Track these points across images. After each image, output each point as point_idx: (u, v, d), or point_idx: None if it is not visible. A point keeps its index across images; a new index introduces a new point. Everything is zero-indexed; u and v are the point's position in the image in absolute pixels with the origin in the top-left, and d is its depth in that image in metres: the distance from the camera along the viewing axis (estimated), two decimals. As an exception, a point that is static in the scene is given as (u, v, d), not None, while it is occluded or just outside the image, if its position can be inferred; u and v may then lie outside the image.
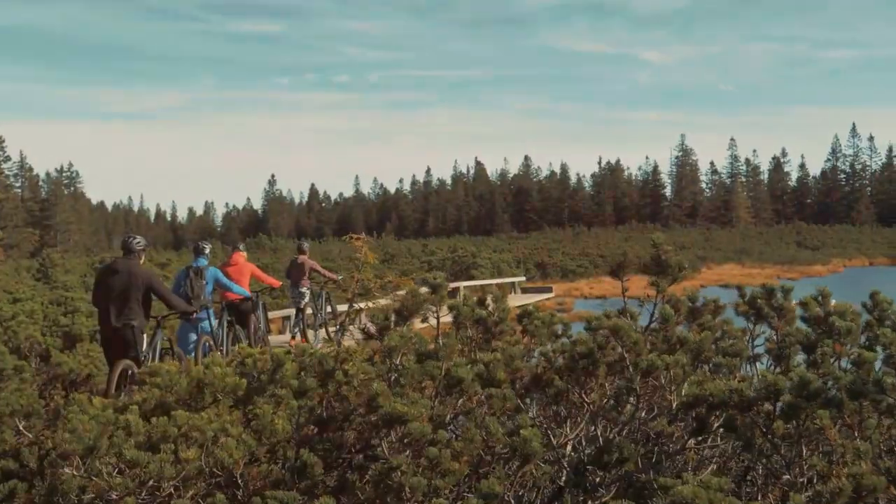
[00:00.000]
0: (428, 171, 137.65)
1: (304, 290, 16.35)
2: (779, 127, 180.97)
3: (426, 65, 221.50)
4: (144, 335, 8.95)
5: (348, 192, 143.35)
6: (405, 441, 5.18)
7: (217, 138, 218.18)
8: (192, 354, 10.54)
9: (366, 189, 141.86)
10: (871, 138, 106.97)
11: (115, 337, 8.71)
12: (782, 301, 7.28)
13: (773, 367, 6.69)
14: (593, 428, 5.67)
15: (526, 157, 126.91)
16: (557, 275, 38.89)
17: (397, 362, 5.68)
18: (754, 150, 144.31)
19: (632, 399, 5.58)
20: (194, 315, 10.18)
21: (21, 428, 7.29)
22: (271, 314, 21.60)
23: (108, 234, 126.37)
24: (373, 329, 6.24)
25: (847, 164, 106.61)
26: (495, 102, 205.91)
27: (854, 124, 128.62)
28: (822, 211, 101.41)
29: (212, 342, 11.35)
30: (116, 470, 5.26)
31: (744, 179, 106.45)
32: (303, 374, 6.52)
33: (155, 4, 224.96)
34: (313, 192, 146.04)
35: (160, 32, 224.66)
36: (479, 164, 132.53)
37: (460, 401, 5.75)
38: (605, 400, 5.69)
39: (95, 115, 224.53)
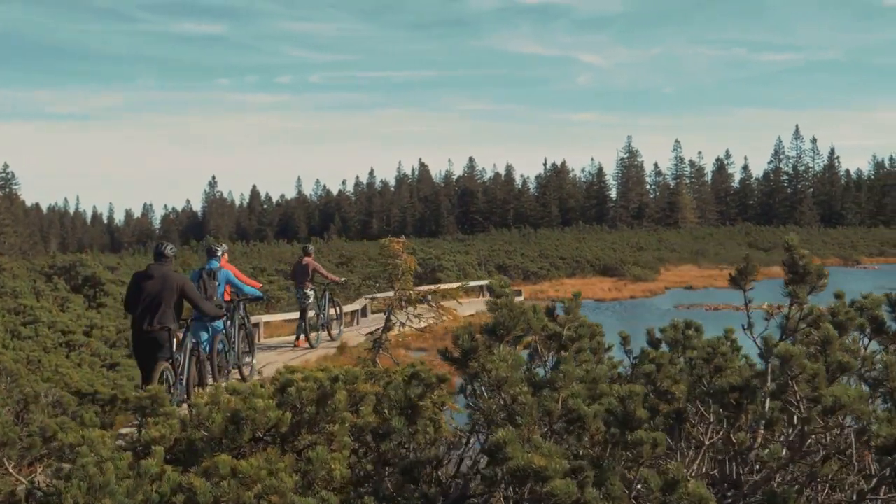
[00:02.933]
0: (371, 172, 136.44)
1: (308, 291, 16.76)
2: (720, 129, 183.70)
3: (370, 66, 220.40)
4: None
5: (290, 194, 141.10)
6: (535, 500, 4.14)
7: (156, 139, 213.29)
8: (207, 352, 11.01)
9: (308, 190, 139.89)
10: (813, 140, 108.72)
11: (151, 340, 8.99)
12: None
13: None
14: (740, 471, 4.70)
15: (471, 159, 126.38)
16: (519, 277, 38.06)
17: (506, 396, 4.61)
18: (699, 152, 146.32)
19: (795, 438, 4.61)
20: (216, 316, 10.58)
21: None
22: (277, 317, 21.24)
23: (44, 236, 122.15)
24: (455, 352, 5.16)
25: (790, 165, 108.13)
26: (440, 104, 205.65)
27: (797, 126, 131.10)
28: (765, 212, 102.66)
29: (225, 340, 11.75)
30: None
31: (688, 181, 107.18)
32: (380, 405, 5.43)
33: (93, 4, 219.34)
34: (254, 193, 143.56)
35: (97, 32, 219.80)
36: (423, 165, 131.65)
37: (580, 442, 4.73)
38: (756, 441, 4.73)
39: (31, 115, 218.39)
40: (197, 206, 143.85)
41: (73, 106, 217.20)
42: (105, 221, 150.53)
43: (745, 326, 6.39)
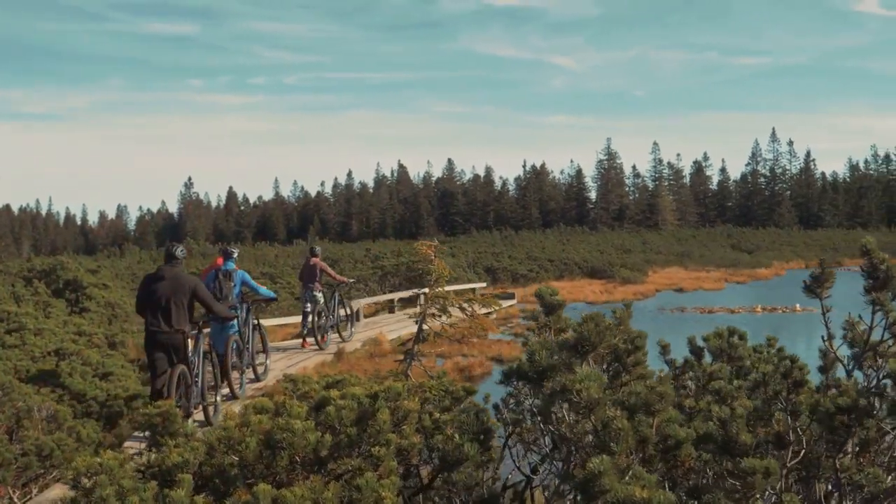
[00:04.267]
0: (350, 174, 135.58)
1: (316, 293, 16.67)
2: (695, 132, 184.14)
3: (345, 67, 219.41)
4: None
5: (268, 196, 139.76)
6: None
7: (129, 140, 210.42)
8: (223, 352, 10.99)
9: (286, 192, 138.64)
10: (790, 143, 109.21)
11: (165, 342, 8.95)
12: None
13: None
14: None
15: (450, 160, 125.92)
16: (508, 279, 37.54)
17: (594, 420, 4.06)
18: (678, 154, 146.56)
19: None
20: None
21: None
22: (284, 320, 20.96)
23: (16, 238, 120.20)
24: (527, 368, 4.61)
25: (767, 167, 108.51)
26: (415, 106, 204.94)
27: (774, 129, 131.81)
28: (743, 213, 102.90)
29: (240, 341, 11.76)
30: None
31: (667, 183, 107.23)
32: (435, 426, 4.88)
33: (63, 3, 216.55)
34: (231, 194, 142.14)
35: (68, 32, 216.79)
36: (402, 166, 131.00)
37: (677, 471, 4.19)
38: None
39: (0, 115, 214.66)
40: (173, 208, 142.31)
41: (44, 106, 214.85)
42: (78, 223, 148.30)
43: (825, 338, 5.91)
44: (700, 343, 7.37)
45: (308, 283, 16.86)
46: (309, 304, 16.87)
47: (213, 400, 9.97)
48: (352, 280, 19.71)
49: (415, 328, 22.30)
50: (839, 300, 6.17)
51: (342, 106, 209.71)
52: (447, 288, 28.84)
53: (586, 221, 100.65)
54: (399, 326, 21.73)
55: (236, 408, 11.73)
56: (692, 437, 4.18)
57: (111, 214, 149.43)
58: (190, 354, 9.19)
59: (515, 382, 5.07)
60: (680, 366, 7.39)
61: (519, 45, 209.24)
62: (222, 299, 11.49)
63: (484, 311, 25.84)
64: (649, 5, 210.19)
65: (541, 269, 39.24)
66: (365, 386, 8.57)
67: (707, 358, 7.30)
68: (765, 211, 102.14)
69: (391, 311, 24.90)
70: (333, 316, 17.77)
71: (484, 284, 31.20)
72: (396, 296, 25.75)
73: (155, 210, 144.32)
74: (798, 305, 29.64)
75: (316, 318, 16.85)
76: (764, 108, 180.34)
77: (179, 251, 9.40)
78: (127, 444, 9.56)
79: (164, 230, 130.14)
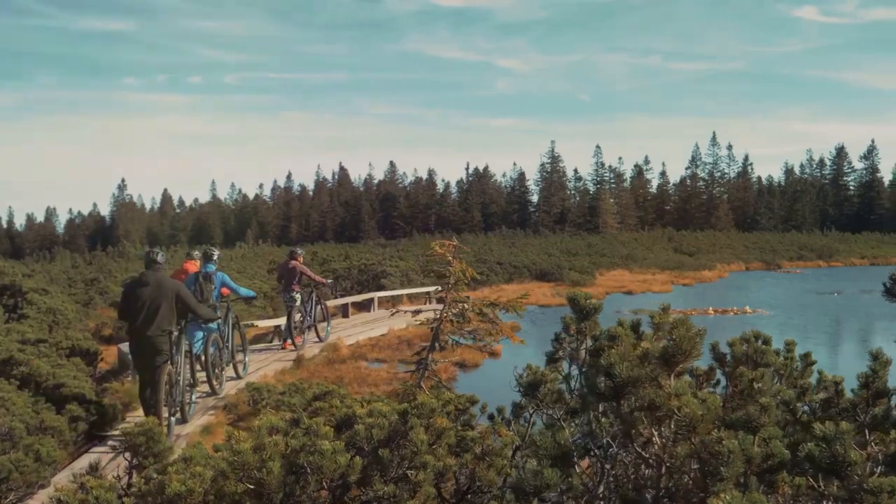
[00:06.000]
0: (289, 176, 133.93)
1: (295, 294, 16.93)
2: (637, 136, 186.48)
3: (285, 68, 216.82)
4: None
5: (204, 198, 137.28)
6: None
7: (58, 141, 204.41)
8: (201, 351, 11.49)
9: (223, 195, 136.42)
10: (729, 147, 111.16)
11: (152, 346, 9.29)
12: None
13: None
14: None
15: (391, 163, 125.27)
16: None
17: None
18: (619, 158, 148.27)
19: None
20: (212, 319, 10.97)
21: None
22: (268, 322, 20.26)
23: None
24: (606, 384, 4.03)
25: (706, 171, 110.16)
26: (357, 107, 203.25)
27: (714, 133, 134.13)
28: (681, 217, 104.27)
29: (220, 340, 12.30)
30: None
31: (608, 187, 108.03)
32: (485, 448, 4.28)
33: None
34: (166, 197, 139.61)
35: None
36: (342, 169, 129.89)
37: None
38: None
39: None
40: (105, 211, 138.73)
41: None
42: (4, 226, 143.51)
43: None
44: (723, 349, 6.92)
45: (287, 285, 17.05)
46: (288, 306, 17.12)
47: (191, 398, 10.60)
48: (329, 281, 19.82)
49: (372, 332, 21.75)
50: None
51: (282, 107, 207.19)
52: (401, 291, 28.29)
53: (528, 224, 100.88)
54: (356, 331, 21.06)
55: (200, 422, 11.04)
56: (788, 457, 3.66)
57: (39, 217, 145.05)
58: (174, 354, 9.57)
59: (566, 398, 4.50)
60: (703, 373, 6.93)
61: (464, 46, 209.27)
62: (203, 301, 11.67)
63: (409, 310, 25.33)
64: (594, 10, 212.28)
65: (490, 272, 38.80)
66: (348, 399, 7.93)
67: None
68: (703, 214, 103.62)
69: (345, 315, 24.16)
70: (311, 316, 18.02)
71: (439, 288, 30.60)
72: (350, 300, 25.02)
73: (86, 213, 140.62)
74: (748, 307, 29.72)
75: (293, 319, 17.10)
76: (704, 112, 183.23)
77: (160, 256, 9.71)
78: (89, 459, 8.77)
79: (96, 233, 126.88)
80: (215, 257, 12.63)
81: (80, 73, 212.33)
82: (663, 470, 3.61)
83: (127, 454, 6.02)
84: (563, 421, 6.61)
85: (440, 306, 27.12)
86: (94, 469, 5.95)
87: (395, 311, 15.83)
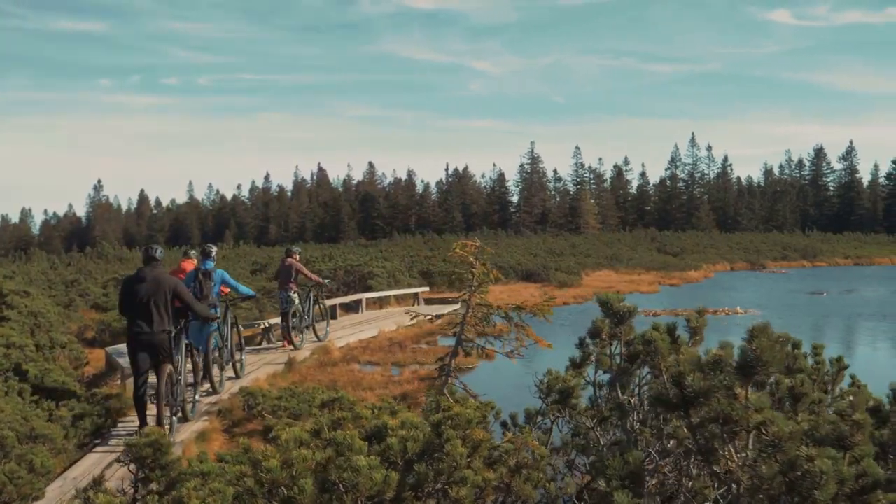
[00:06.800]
0: (267, 177, 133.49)
1: (292, 293, 16.78)
2: (614, 137, 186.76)
3: (261, 69, 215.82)
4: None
5: (182, 199, 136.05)
6: None
7: (33, 142, 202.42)
8: (203, 348, 11.41)
9: (200, 195, 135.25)
10: (709, 148, 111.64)
11: (150, 343, 9.10)
12: None
13: None
14: None
15: (370, 164, 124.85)
16: (444, 284, 36.63)
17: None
18: (600, 159, 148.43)
19: None
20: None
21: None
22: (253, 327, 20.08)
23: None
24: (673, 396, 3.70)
25: (686, 172, 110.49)
26: (334, 109, 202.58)
27: (693, 134, 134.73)
28: (662, 217, 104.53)
29: (218, 338, 12.20)
30: None
31: (589, 188, 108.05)
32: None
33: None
34: (143, 198, 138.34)
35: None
36: (321, 170, 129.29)
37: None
38: None
39: None
40: (81, 212, 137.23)
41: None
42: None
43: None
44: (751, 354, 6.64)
45: (284, 284, 16.93)
46: (285, 305, 16.94)
47: (193, 397, 10.59)
48: (327, 280, 19.75)
49: (363, 334, 21.36)
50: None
51: (258, 108, 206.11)
52: (389, 293, 27.89)
53: (509, 225, 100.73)
54: (346, 333, 20.66)
55: (194, 428, 10.67)
56: (884, 477, 3.36)
57: (14, 219, 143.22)
58: (174, 353, 9.41)
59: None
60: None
61: (439, 48, 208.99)
62: (202, 299, 11.66)
63: (430, 314, 24.93)
64: (566, 12, 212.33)
65: (477, 272, 38.45)
66: (357, 406, 7.58)
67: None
68: (683, 215, 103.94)
69: (333, 317, 23.74)
70: (309, 316, 17.85)
71: (427, 289, 30.26)
72: (337, 301, 24.61)
73: (62, 214, 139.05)
74: (739, 308, 29.56)
75: (291, 319, 16.92)
76: (681, 114, 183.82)
77: (158, 252, 9.45)
78: (82, 468, 8.39)
79: (72, 234, 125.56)
80: (213, 254, 12.57)
81: (54, 74, 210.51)
82: (741, 489, 3.30)
83: (132, 466, 5.63)
84: (593, 430, 6.30)
85: (428, 307, 26.72)
86: (97, 483, 5.56)
87: (414, 316, 15.48)
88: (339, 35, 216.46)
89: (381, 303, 27.35)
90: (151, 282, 9.14)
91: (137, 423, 10.12)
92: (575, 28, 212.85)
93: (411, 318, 15.07)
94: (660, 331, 5.47)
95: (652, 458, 3.76)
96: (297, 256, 17.30)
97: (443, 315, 16.34)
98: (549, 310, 11.45)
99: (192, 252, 13.71)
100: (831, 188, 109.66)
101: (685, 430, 3.55)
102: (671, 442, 4.57)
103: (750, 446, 3.19)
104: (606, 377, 6.14)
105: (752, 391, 4.75)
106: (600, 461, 3.64)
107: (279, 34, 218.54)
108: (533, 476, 4.92)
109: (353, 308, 25.69)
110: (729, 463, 3.27)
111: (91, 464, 8.90)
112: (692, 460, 3.64)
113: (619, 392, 5.21)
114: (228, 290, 13.05)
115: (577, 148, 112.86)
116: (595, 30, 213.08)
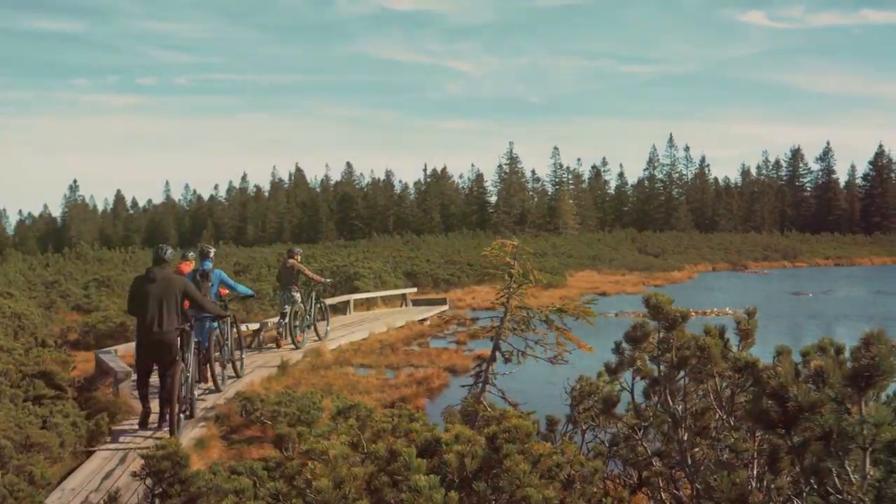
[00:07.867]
0: (244, 177, 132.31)
1: (294, 293, 17.01)
2: (593, 137, 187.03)
3: (238, 69, 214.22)
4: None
5: (158, 199, 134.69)
6: None
7: (7, 142, 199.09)
8: (205, 346, 11.72)
9: (177, 196, 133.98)
10: (686, 148, 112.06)
11: (161, 342, 9.27)
12: None
13: None
14: None
15: (348, 164, 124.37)
16: (429, 285, 36.35)
17: None
18: (578, 159, 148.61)
19: None
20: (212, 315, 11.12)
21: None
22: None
23: None
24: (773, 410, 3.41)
25: (664, 173, 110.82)
26: (311, 109, 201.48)
27: (671, 135, 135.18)
28: (640, 218, 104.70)
29: (220, 337, 12.38)
30: None
31: (567, 188, 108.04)
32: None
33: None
34: (119, 198, 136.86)
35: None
36: (299, 170, 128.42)
37: None
38: None
39: None
40: (56, 212, 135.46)
41: None
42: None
43: None
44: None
45: (286, 284, 17.16)
46: (287, 306, 17.13)
47: (194, 394, 10.61)
48: (328, 280, 19.97)
49: (353, 336, 20.99)
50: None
51: (236, 108, 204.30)
52: (376, 294, 27.55)
53: (488, 225, 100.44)
54: (336, 335, 20.29)
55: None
56: None
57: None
58: (185, 352, 9.65)
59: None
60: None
61: (417, 49, 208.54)
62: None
63: (420, 317, 24.62)
64: (543, 14, 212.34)
65: (462, 273, 38.22)
66: (375, 414, 7.25)
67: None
68: (662, 215, 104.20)
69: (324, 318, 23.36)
70: (310, 316, 18.13)
71: (415, 289, 29.93)
72: (327, 302, 24.23)
73: (37, 214, 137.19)
74: (728, 309, 29.48)
75: (292, 319, 17.13)
76: (658, 115, 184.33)
77: (168, 253, 9.67)
78: (80, 477, 8.02)
79: (47, 235, 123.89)
80: (212, 255, 12.67)
81: (29, 73, 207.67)
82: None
83: (149, 481, 5.29)
84: (628, 440, 6.01)
85: (417, 308, 26.33)
86: (112, 500, 5.22)
87: (426, 319, 15.17)
88: (317, 35, 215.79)
89: (367, 304, 27.01)
90: (161, 282, 9.34)
91: (136, 424, 10.01)
92: (552, 29, 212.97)
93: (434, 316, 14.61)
94: (712, 335, 5.19)
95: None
96: (299, 257, 17.46)
97: (478, 320, 16.05)
98: (592, 313, 10.90)
99: (190, 254, 13.53)
100: (808, 189, 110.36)
101: (746, 442, 3.27)
102: (727, 454, 4.32)
103: (868, 465, 2.91)
104: (642, 384, 5.87)
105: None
106: (703, 482, 3.35)
107: (256, 35, 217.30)
108: (587, 490, 4.63)
109: (340, 309, 25.32)
110: (841, 484, 2.99)
111: (89, 473, 8.53)
112: (786, 479, 3.35)
113: (670, 399, 4.92)
114: (227, 290, 13.16)
115: (556, 148, 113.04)
116: (572, 31, 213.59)
